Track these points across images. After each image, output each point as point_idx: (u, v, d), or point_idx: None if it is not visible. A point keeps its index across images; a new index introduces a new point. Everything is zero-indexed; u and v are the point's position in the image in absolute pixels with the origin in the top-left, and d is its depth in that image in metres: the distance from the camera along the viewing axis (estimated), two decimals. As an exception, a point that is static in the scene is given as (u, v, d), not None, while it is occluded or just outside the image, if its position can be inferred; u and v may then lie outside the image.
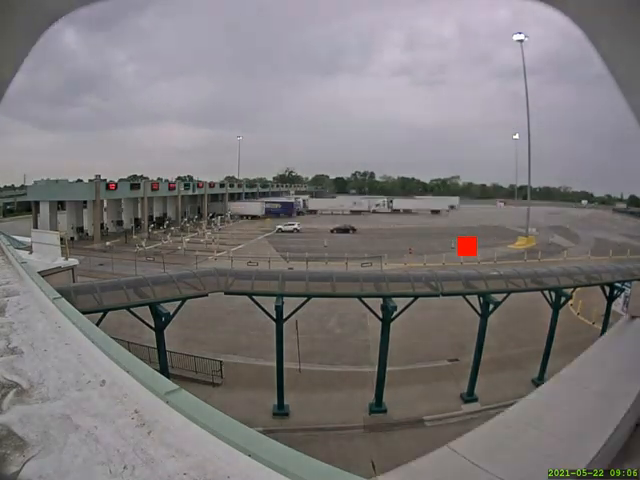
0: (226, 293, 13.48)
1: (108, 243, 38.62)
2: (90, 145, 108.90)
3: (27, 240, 17.05)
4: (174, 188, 56.36)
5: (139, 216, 50.87)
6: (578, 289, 16.69)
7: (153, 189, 51.69)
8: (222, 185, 70.31)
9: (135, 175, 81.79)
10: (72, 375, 2.88)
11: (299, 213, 67.66)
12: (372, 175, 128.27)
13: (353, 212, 71.29)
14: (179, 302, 12.63)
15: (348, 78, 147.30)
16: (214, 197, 66.96)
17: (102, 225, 45.27)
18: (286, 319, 13.27)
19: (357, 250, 34.70)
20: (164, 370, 12.09)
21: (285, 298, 13.28)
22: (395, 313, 13.38)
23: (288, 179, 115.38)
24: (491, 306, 14.19)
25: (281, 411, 13.28)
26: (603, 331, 16.85)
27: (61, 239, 16.19)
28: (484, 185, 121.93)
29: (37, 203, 42.53)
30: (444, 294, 13.98)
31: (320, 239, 41.35)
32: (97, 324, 7.46)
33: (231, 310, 19.48)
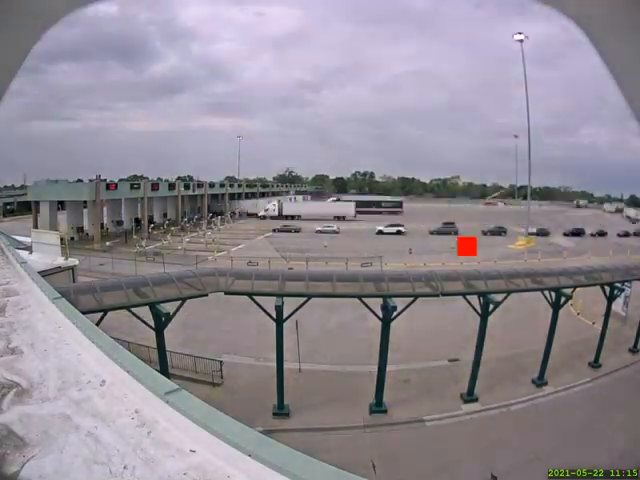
0: (226, 293, 13.48)
1: (108, 243, 38.61)
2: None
3: (27, 240, 17.06)
4: (174, 188, 56.38)
5: (139, 216, 50.85)
6: (578, 289, 16.67)
7: (153, 189, 51.66)
8: (222, 185, 70.37)
9: (135, 175, 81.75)
10: (72, 375, 2.88)
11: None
12: (372, 175, 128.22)
13: None
14: (179, 302, 12.63)
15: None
16: (214, 197, 67.07)
17: (102, 225, 45.27)
18: (286, 319, 13.26)
19: (357, 250, 34.70)
20: (164, 370, 12.09)
21: (285, 298, 13.28)
22: (395, 313, 13.37)
23: (288, 179, 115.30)
24: (491, 306, 14.17)
25: (281, 411, 13.27)
26: (603, 331, 16.87)
27: (61, 239, 16.20)
28: (484, 185, 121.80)
29: (37, 203, 42.48)
30: (444, 294, 13.98)
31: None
32: (97, 324, 7.46)
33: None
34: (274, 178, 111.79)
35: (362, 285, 13.74)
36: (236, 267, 24.47)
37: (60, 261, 15.10)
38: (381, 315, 13.56)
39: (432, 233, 46.98)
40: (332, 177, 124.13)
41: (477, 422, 13.30)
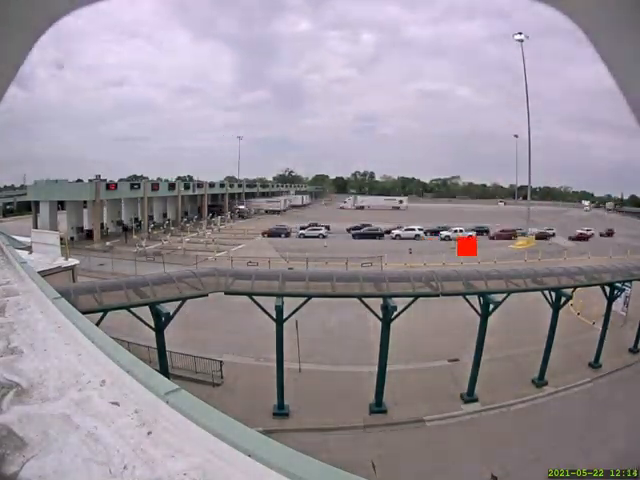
0: (226, 293, 13.46)
1: (108, 243, 38.62)
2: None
3: (27, 240, 17.07)
4: (174, 188, 56.38)
5: (139, 216, 50.84)
6: (578, 289, 16.67)
7: (153, 189, 51.64)
8: (222, 185, 70.45)
9: (135, 175, 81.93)
10: (72, 375, 2.87)
11: None
12: (372, 175, 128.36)
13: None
14: (179, 302, 12.63)
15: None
16: (214, 197, 67.16)
17: (102, 225, 45.28)
18: (286, 319, 13.25)
19: (357, 250, 34.71)
20: (164, 370, 12.09)
21: (285, 298, 13.27)
22: (395, 313, 13.36)
23: (288, 179, 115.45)
24: (491, 306, 14.17)
25: (281, 411, 13.26)
26: (603, 331, 16.86)
27: (61, 239, 16.21)
28: (484, 185, 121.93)
29: (37, 203, 42.48)
30: (444, 294, 13.97)
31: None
32: (97, 324, 7.46)
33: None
34: (274, 178, 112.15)
35: (362, 285, 13.72)
36: (236, 267, 24.48)
37: (60, 261, 15.11)
38: (381, 315, 13.56)
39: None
40: (332, 177, 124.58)
41: (477, 422, 13.30)
